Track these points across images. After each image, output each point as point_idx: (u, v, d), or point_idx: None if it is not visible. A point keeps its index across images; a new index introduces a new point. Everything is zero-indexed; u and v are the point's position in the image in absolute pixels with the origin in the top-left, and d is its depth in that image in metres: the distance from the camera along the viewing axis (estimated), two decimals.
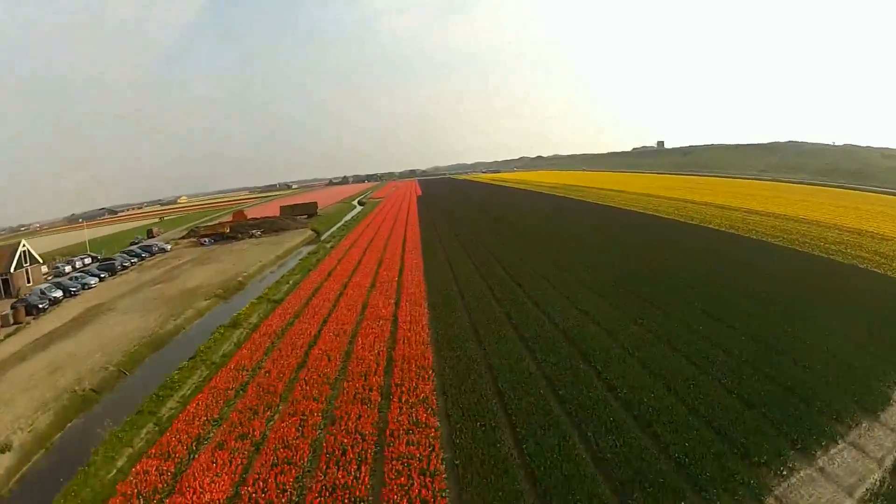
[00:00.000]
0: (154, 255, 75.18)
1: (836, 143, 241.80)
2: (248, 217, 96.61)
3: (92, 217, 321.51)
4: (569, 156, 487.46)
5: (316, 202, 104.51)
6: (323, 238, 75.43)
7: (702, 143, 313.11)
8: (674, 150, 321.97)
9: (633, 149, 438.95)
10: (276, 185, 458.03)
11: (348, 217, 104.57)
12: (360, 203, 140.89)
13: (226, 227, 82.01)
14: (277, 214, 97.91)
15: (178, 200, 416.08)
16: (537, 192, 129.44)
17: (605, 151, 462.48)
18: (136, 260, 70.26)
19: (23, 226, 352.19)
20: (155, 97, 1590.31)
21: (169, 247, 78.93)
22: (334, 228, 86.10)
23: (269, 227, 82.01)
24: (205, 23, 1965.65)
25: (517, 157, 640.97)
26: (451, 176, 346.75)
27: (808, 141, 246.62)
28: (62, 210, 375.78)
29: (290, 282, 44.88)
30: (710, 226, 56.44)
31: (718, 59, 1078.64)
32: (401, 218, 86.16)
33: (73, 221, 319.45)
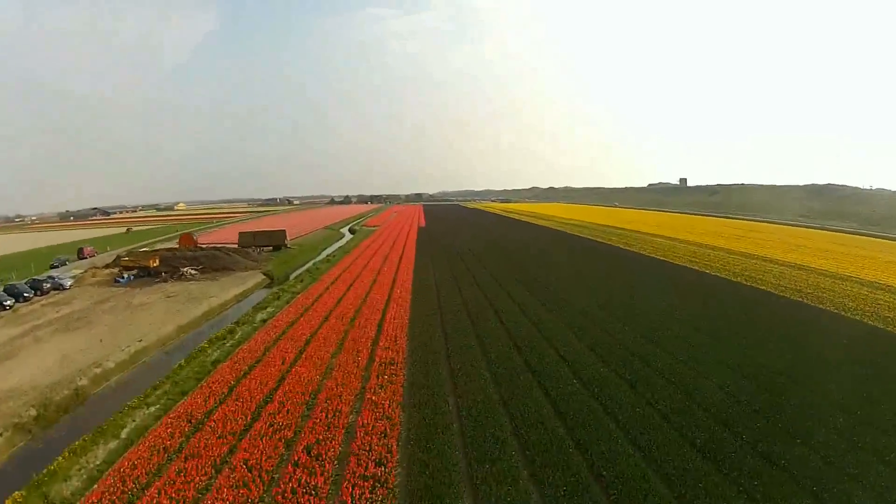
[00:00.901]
0: (44, 293, 54.14)
1: (873, 188, 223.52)
2: (198, 243, 75.46)
3: (83, 216, 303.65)
4: (582, 188, 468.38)
5: (284, 231, 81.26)
6: (282, 282, 54.48)
7: (728, 182, 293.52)
8: (698, 188, 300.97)
9: (650, 185, 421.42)
10: (276, 199, 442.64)
11: (329, 251, 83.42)
12: (350, 231, 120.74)
13: (154, 259, 60.94)
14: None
15: (176, 207, 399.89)
16: (563, 231, 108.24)
17: (620, 186, 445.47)
18: (9, 302, 49.20)
19: (19, 216, 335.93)
20: (167, 108, 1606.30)
21: (69, 282, 57.66)
22: (302, 269, 64.90)
23: (209, 263, 60.76)
24: (216, 39, 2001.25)
25: (528, 187, 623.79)
26: (460, 203, 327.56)
27: (847, 184, 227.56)
28: (60, 205, 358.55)
29: (159, 404, 23.39)
30: (811, 300, 38.75)
31: (746, 93, 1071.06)
32: (391, 260, 65.09)
33: (65, 218, 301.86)
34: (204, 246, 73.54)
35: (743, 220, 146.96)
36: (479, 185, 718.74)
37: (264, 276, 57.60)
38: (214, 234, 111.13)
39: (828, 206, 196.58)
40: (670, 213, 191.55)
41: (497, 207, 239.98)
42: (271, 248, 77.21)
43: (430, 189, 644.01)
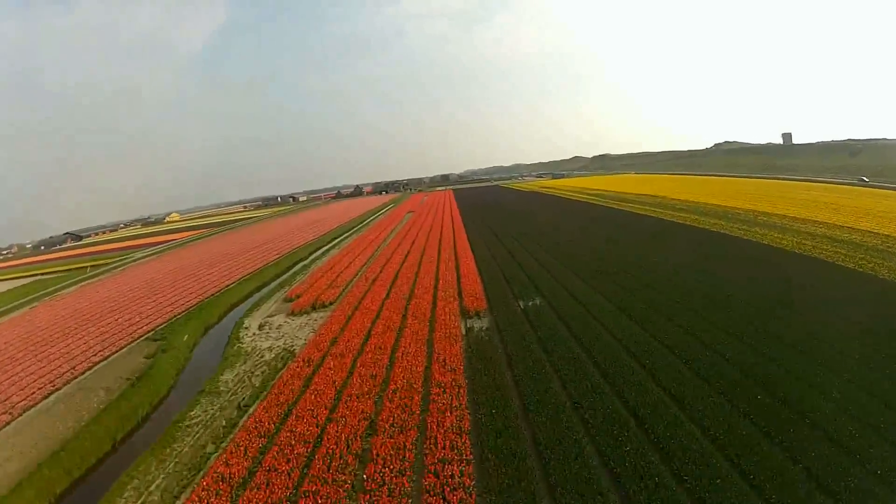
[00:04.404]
0: None
1: None
2: None
3: (52, 244, 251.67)
4: (643, 154, 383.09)
5: None
6: None
7: (866, 137, 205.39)
8: (820, 146, 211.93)
9: (716, 145, 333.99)
10: (277, 197, 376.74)
11: None
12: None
13: None
14: None
15: (168, 218, 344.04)
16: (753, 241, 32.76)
17: (684, 148, 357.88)
18: None
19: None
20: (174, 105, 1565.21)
21: None
22: None
23: None
24: (226, 29, 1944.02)
25: (569, 158, 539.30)
26: (500, 184, 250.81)
27: None
28: (33, 233, 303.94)
29: None
30: None
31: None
32: None
33: (36, 249, 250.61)
34: None
35: None
36: (509, 160, 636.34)
37: None
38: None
39: None
40: (826, 183, 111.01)
41: (552, 186, 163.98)
42: None
43: (457, 169, 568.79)
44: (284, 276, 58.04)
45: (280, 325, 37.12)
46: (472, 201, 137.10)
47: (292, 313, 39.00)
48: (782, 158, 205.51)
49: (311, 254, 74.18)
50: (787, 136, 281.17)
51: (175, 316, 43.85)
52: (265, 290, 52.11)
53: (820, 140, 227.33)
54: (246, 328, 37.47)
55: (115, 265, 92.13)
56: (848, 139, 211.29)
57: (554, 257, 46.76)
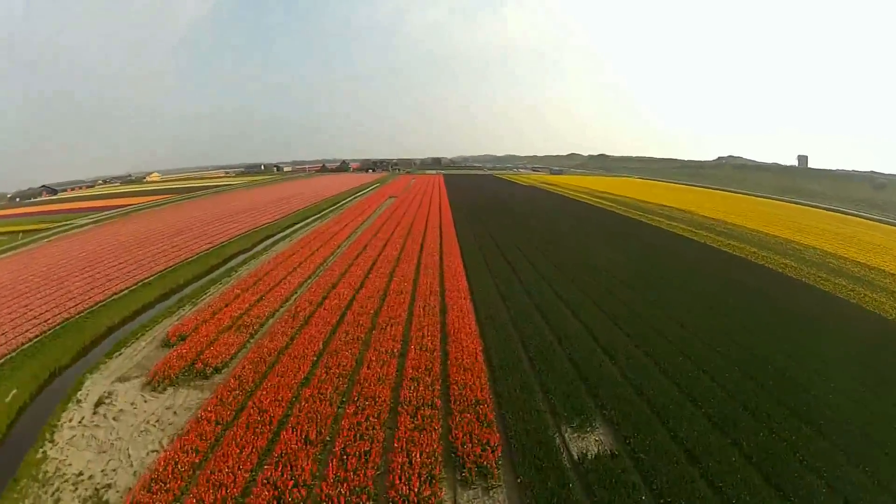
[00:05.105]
0: None
1: None
2: None
3: (28, 197, 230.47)
4: (645, 158, 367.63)
5: None
6: None
7: (889, 172, 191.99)
8: (835, 172, 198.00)
9: (719, 158, 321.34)
10: (261, 165, 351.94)
11: None
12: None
13: None
14: None
15: (149, 178, 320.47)
16: None
17: (685, 158, 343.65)
18: None
19: None
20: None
21: None
22: None
23: None
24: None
25: (566, 154, 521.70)
26: (495, 173, 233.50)
27: None
28: (19, 184, 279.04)
29: None
30: None
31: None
32: None
33: (11, 201, 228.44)
34: None
35: None
36: (502, 150, 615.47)
37: None
38: None
39: None
40: (860, 217, 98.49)
41: (565, 185, 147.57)
42: None
43: (449, 153, 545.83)
44: (198, 284, 40.96)
45: (123, 409, 20.63)
46: (465, 194, 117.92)
47: (155, 381, 22.38)
48: (799, 181, 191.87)
49: (254, 245, 57.18)
50: (802, 159, 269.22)
51: (21, 346, 27.21)
52: (160, 306, 35.38)
53: (839, 168, 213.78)
54: (78, 404, 21.06)
55: (49, 233, 75.74)
56: (871, 171, 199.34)
57: (600, 306, 31.00)
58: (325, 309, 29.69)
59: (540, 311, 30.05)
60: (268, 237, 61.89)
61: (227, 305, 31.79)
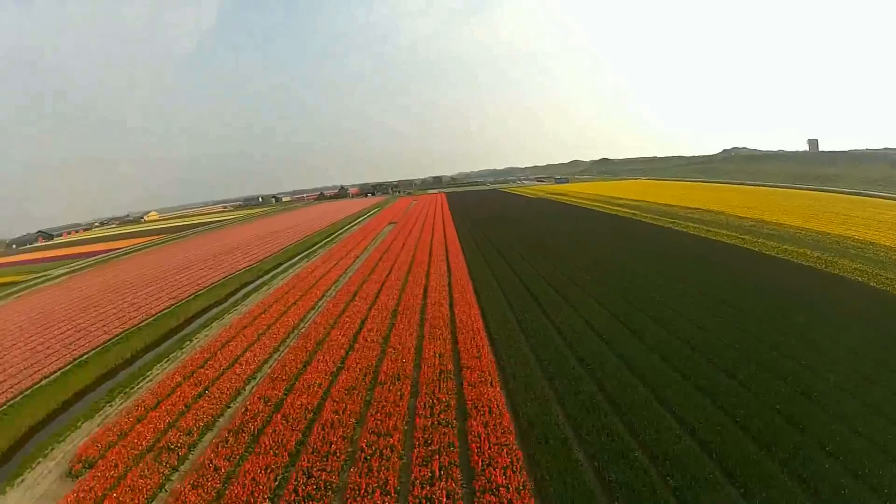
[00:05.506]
0: None
1: None
2: None
3: (24, 243, 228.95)
4: (650, 158, 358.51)
5: None
6: None
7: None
8: (850, 153, 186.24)
9: (723, 150, 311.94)
10: (258, 197, 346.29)
11: None
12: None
13: None
14: None
15: (146, 217, 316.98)
16: None
17: (688, 154, 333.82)
18: None
19: None
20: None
21: None
22: None
23: None
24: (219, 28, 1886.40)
25: (567, 161, 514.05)
26: (499, 188, 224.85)
27: None
28: (16, 230, 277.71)
29: None
30: None
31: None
32: None
33: (8, 248, 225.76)
34: None
35: None
36: (502, 163, 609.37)
37: None
38: None
39: None
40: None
41: (575, 194, 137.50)
42: None
43: (449, 171, 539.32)
44: (143, 360, 31.97)
45: None
46: (471, 212, 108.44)
47: None
48: (814, 167, 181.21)
49: (228, 295, 48.26)
50: (813, 143, 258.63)
51: None
52: (87, 399, 26.58)
53: (853, 148, 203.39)
54: None
55: (21, 287, 72.85)
56: (886, 148, 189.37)
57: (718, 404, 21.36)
58: (285, 414, 20.12)
59: (565, 339, 20.25)
60: (245, 284, 52.90)
61: (157, 405, 22.60)
